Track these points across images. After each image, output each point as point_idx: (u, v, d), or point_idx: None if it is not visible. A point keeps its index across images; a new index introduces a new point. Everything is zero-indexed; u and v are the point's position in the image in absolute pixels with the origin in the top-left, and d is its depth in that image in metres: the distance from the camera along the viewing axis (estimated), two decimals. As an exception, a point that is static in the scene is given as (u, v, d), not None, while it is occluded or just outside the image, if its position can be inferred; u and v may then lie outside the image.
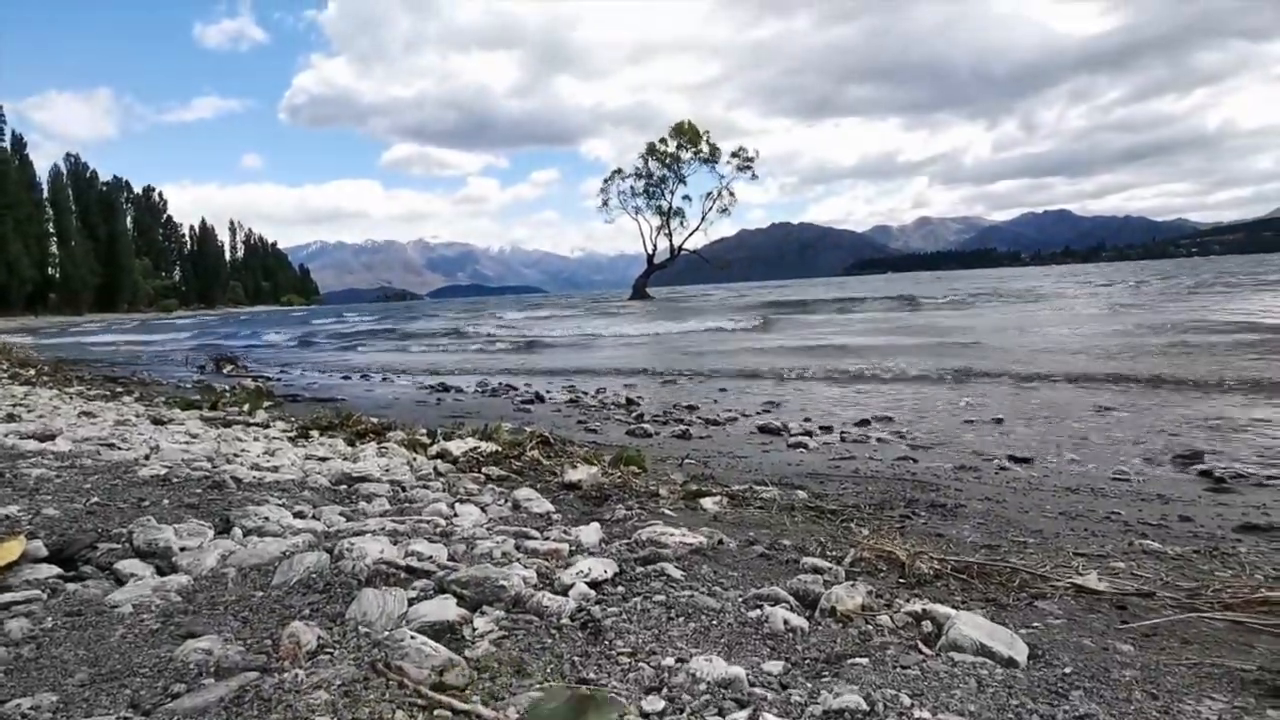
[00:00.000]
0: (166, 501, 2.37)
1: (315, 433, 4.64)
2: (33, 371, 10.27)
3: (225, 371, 11.22)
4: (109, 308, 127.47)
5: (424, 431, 4.54)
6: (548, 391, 8.31)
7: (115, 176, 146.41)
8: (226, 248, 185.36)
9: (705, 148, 58.07)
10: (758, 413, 6.41)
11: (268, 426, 4.93)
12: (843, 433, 5.36)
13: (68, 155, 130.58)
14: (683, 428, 5.44)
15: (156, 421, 5.00)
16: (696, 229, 61.27)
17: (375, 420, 5.11)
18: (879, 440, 5.04)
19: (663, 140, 58.75)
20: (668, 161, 58.64)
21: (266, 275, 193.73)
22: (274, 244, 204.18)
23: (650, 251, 61.98)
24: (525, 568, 1.90)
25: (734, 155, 58.32)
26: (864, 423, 5.78)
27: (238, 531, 2.11)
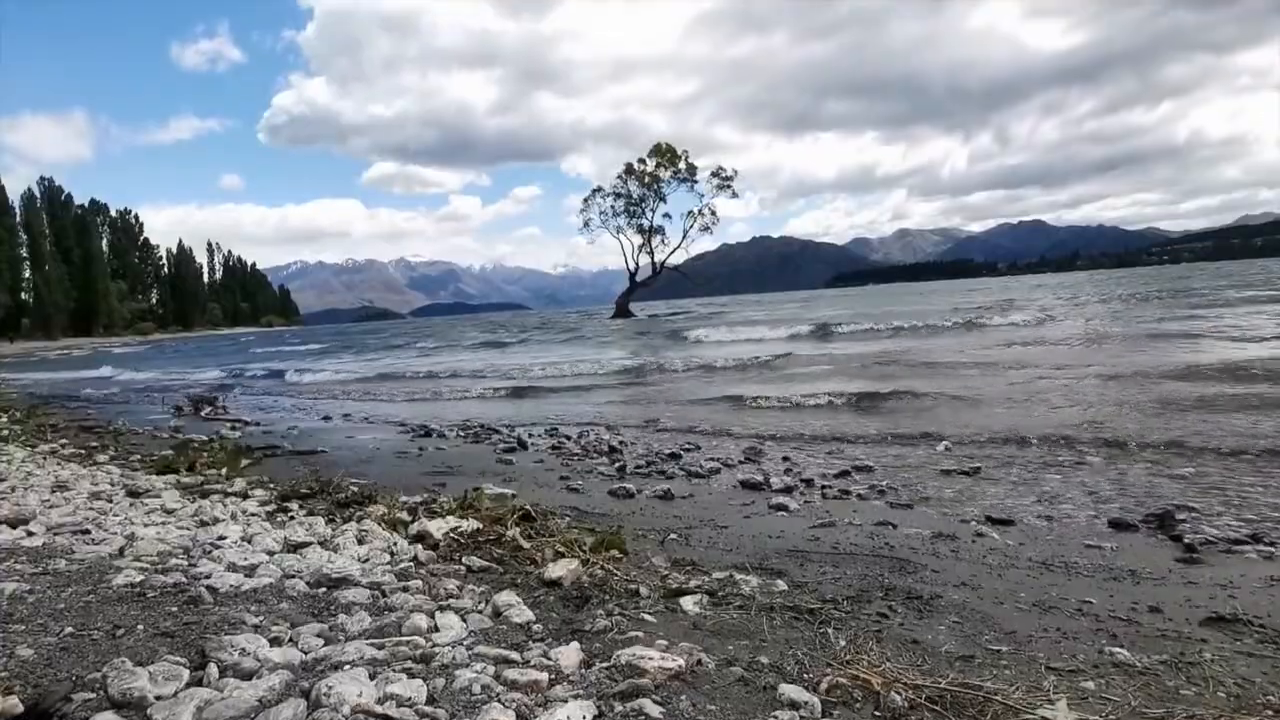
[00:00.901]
0: (141, 628, 2.35)
1: (295, 504, 4.61)
2: (4, 419, 10.10)
3: (204, 414, 11.10)
4: (84, 332, 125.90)
5: (404, 504, 4.52)
6: (530, 436, 8.31)
7: (91, 200, 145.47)
8: (205, 269, 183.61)
9: (683, 167, 59.17)
10: (740, 462, 6.46)
11: (246, 496, 4.89)
12: (823, 487, 5.41)
13: (41, 179, 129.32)
14: (665, 485, 5.46)
15: (133, 494, 4.94)
16: (678, 247, 62.31)
17: (355, 487, 5.08)
18: (859, 497, 5.10)
19: (641, 160, 59.71)
20: (646, 181, 59.65)
21: (246, 296, 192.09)
22: (253, 265, 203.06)
23: (632, 269, 62.74)
24: (505, 707, 1.91)
25: (713, 175, 59.35)
26: (844, 474, 5.84)
27: (213, 669, 2.09)
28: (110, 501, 4.75)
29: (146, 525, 3.99)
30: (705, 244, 61.35)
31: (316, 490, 5.01)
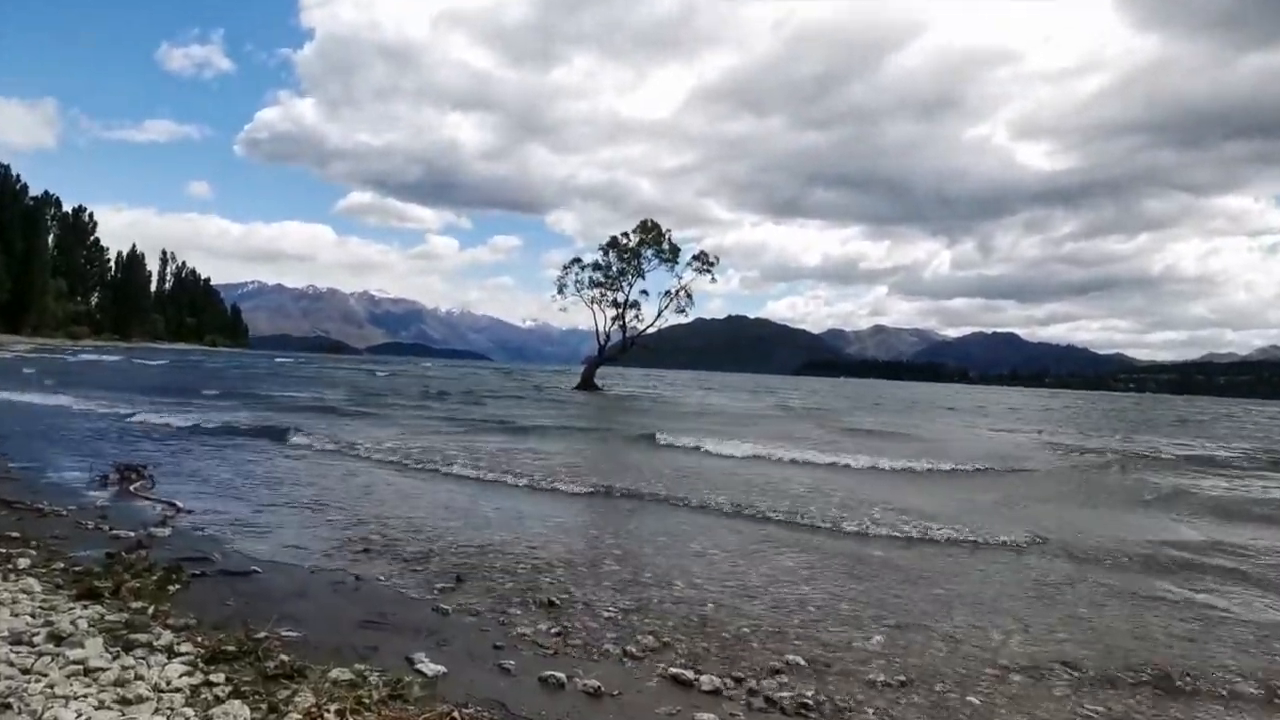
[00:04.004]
0: None
1: (221, 675, 4.74)
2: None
3: (133, 488, 11.05)
4: (13, 329, 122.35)
5: (331, 689, 4.69)
6: (469, 563, 8.50)
7: (45, 191, 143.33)
8: (155, 278, 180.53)
9: (667, 247, 61.12)
10: (680, 638, 6.66)
11: (171, 654, 5.00)
12: (751, 691, 5.67)
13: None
14: (597, 677, 5.64)
15: (55, 637, 5.03)
16: (651, 325, 63.51)
17: (284, 651, 5.23)
18: (782, 711, 5.37)
19: (625, 235, 61.84)
20: (627, 257, 61.30)
21: (193, 311, 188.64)
22: (206, 279, 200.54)
23: (602, 342, 63.26)
24: None
25: (694, 259, 61.30)
26: (777, 673, 6.11)
27: None
28: (33, 646, 4.86)
29: (69, 701, 4.12)
30: (681, 317, 63.95)
31: (244, 651, 5.14)
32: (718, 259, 61.61)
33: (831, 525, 11.92)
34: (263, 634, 5.55)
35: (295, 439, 19.25)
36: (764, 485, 15.58)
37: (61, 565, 6.90)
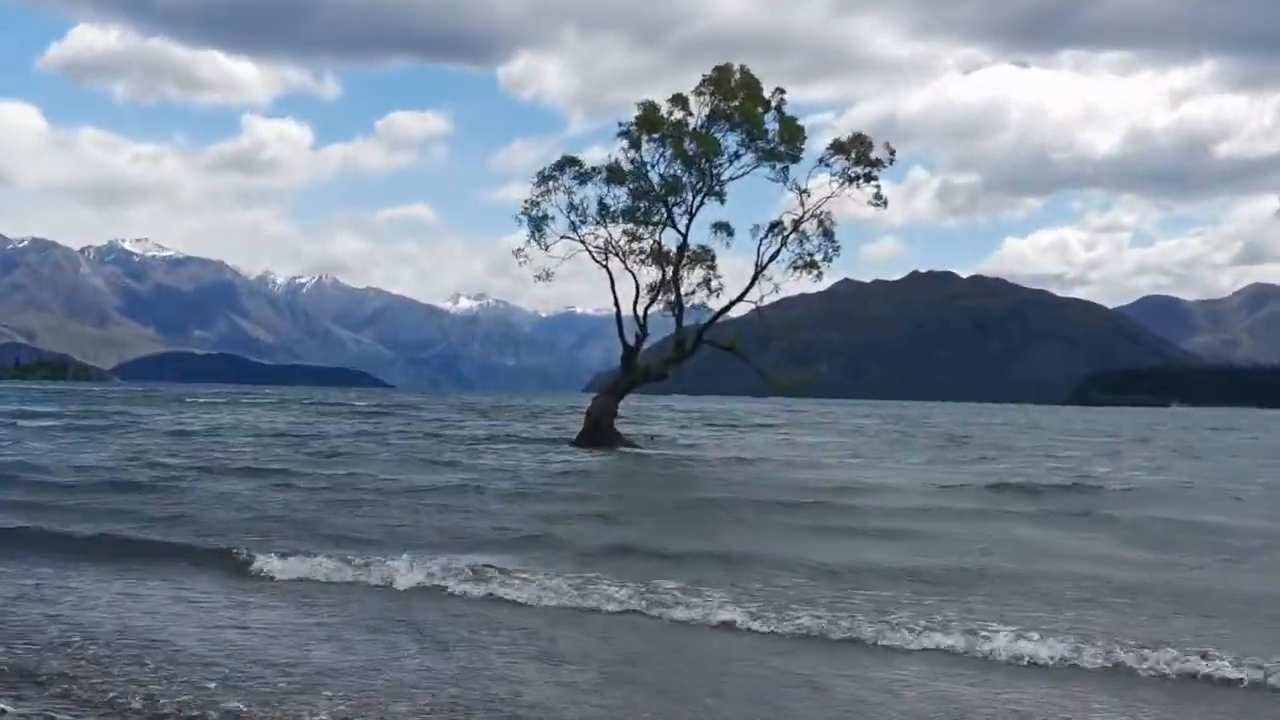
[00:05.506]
0: None
1: None
2: None
3: None
4: None
5: None
6: None
7: None
8: None
9: (774, 127, 30.80)
10: None
11: None
12: None
13: None
14: None
15: None
16: (739, 299, 31.81)
17: None
18: None
19: (677, 100, 30.98)
20: (685, 150, 30.72)
21: None
22: None
23: (632, 340, 31.75)
24: None
25: (838, 150, 30.89)
26: None
27: None
28: None
29: None
30: (807, 279, 25.47)
31: None
32: (893, 151, 31.09)
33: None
34: None
35: None
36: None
37: None
